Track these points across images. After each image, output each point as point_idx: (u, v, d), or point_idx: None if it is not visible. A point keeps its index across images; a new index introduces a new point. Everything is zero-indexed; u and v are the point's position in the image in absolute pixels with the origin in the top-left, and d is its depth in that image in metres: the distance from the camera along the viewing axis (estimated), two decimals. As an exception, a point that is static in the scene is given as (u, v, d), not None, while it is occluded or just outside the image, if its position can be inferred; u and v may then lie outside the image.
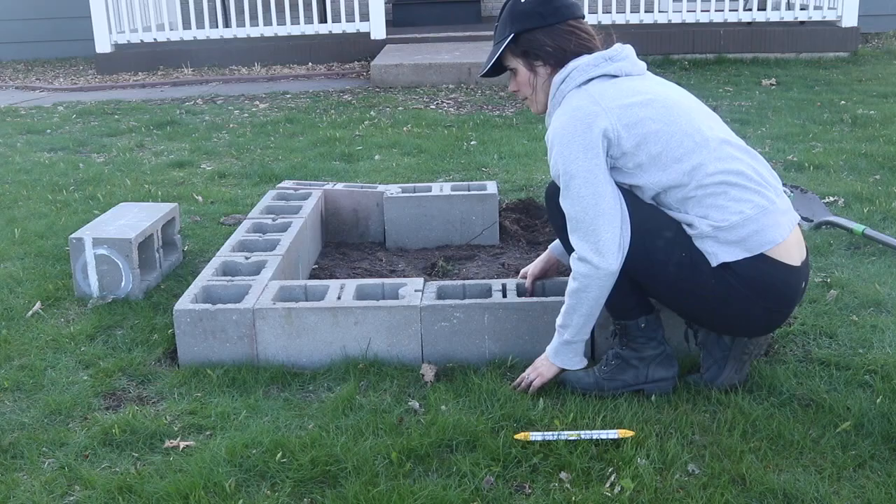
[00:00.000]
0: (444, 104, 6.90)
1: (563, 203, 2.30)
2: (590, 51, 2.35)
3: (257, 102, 7.21)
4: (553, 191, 2.42)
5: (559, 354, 2.38)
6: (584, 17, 2.41)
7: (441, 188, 3.79)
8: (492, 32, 2.49)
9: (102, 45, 8.92)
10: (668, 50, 8.65)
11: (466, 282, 2.80)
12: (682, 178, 2.24)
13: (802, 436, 2.16)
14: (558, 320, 2.37)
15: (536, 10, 2.35)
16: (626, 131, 2.24)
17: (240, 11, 9.01)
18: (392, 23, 9.94)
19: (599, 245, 2.24)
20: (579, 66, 2.32)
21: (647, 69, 2.42)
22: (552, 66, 2.37)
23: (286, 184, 3.94)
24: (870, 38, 9.75)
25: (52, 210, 4.33)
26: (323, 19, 9.27)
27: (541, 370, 2.41)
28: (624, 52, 2.36)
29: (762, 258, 2.23)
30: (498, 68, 2.47)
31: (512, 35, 2.37)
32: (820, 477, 2.01)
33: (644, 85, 2.34)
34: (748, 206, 2.23)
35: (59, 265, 3.54)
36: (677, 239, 2.28)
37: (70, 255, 3.21)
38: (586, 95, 2.29)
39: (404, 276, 3.31)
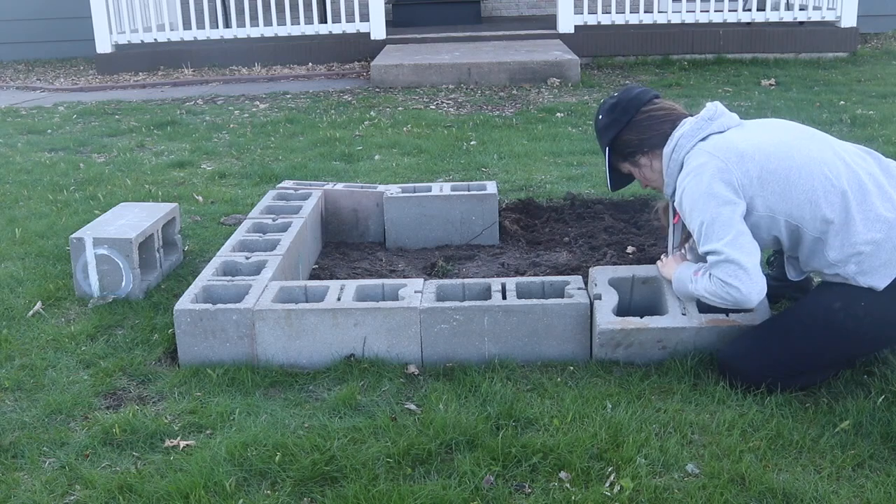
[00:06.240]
0: (444, 104, 6.90)
1: (704, 248, 2.38)
2: (676, 120, 2.56)
3: (257, 103, 7.21)
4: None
5: (679, 281, 2.54)
6: (656, 97, 2.64)
7: (441, 188, 3.79)
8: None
9: (103, 46, 8.93)
10: (667, 50, 8.65)
11: (466, 281, 2.80)
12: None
13: (802, 435, 2.17)
14: (693, 288, 2.44)
15: (610, 119, 2.61)
16: (748, 179, 2.36)
17: (240, 12, 9.02)
18: (392, 23, 9.95)
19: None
20: (684, 133, 2.50)
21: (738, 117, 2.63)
22: (649, 152, 2.58)
23: (286, 184, 3.94)
24: (869, 38, 9.75)
25: (52, 210, 4.34)
26: (323, 19, 9.28)
27: (664, 269, 2.68)
28: (719, 110, 2.56)
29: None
30: (620, 178, 2.72)
31: (607, 149, 2.64)
32: (819, 476, 2.02)
33: (748, 134, 2.48)
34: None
35: (59, 265, 3.54)
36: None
37: (71, 254, 3.21)
38: (705, 154, 2.42)
39: (404, 277, 3.31)
